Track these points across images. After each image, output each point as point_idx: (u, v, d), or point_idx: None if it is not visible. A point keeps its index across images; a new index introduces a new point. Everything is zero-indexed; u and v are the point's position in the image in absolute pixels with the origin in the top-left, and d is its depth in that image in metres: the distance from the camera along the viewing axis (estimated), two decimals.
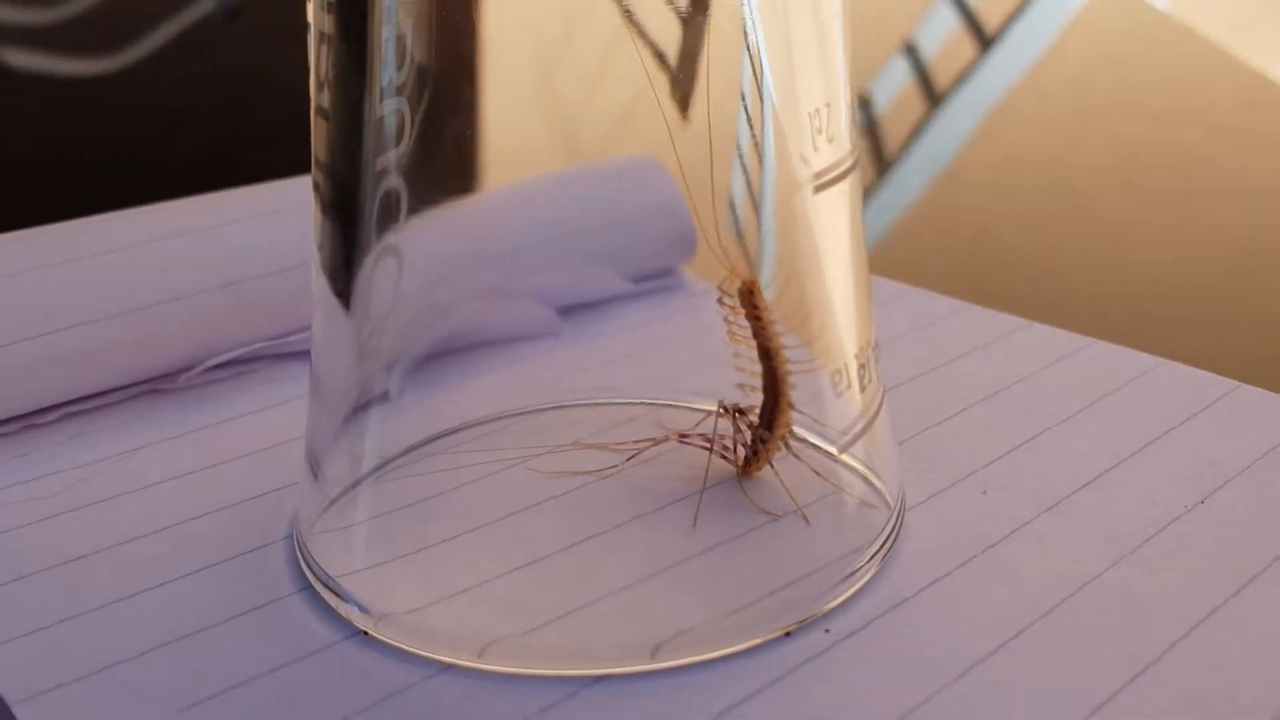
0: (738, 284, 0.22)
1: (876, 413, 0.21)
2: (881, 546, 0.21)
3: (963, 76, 0.66)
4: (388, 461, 0.22)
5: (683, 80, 0.21)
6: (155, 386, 0.27)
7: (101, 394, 0.26)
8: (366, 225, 0.20)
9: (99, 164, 0.54)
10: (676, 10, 0.21)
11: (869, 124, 0.64)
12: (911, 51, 0.73)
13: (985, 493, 0.23)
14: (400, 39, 0.20)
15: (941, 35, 0.75)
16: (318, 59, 0.20)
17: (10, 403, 0.25)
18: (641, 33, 0.21)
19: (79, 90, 0.68)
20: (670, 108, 0.21)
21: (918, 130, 0.60)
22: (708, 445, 0.23)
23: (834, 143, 0.20)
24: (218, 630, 0.20)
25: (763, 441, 0.22)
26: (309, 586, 0.20)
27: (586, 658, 0.19)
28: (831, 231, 0.20)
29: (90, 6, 0.81)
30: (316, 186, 0.20)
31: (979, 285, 0.39)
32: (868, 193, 0.51)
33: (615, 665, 0.19)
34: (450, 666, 0.19)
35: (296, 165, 0.31)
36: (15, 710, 0.18)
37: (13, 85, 0.69)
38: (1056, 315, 0.29)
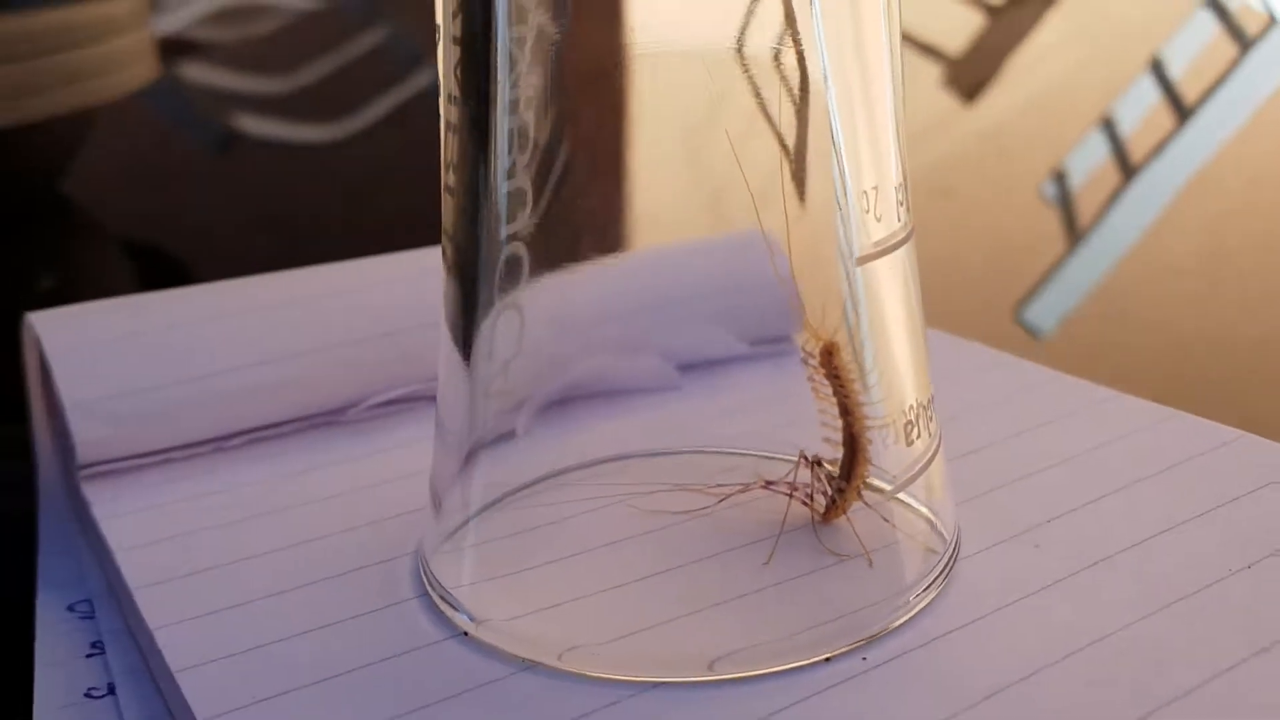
0: (819, 345, 0.24)
1: (927, 464, 0.24)
2: (929, 587, 0.23)
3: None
4: (502, 497, 0.26)
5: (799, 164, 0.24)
6: (327, 420, 0.31)
7: (280, 424, 0.30)
8: (486, 287, 0.24)
9: (313, 223, 0.59)
10: (791, 96, 0.23)
11: (1062, 198, 0.65)
12: (1109, 126, 0.74)
13: (1037, 546, 0.25)
14: (522, 129, 0.23)
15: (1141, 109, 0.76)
16: (446, 144, 0.23)
17: (204, 428, 0.29)
18: (769, 118, 0.24)
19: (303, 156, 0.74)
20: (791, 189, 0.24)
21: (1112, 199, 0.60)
22: (789, 492, 0.26)
23: (882, 221, 0.23)
24: (351, 623, 0.23)
25: (840, 492, 0.25)
26: (426, 594, 0.24)
27: (650, 665, 0.21)
28: (881, 299, 0.23)
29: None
30: (444, 252, 0.24)
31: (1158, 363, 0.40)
32: (1058, 265, 0.52)
33: (674, 674, 0.21)
34: (534, 665, 0.22)
35: None
36: (179, 678, 0.22)
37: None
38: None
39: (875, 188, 0.22)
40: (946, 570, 0.24)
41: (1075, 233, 0.59)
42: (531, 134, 0.23)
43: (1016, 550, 0.25)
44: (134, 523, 0.27)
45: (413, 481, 0.28)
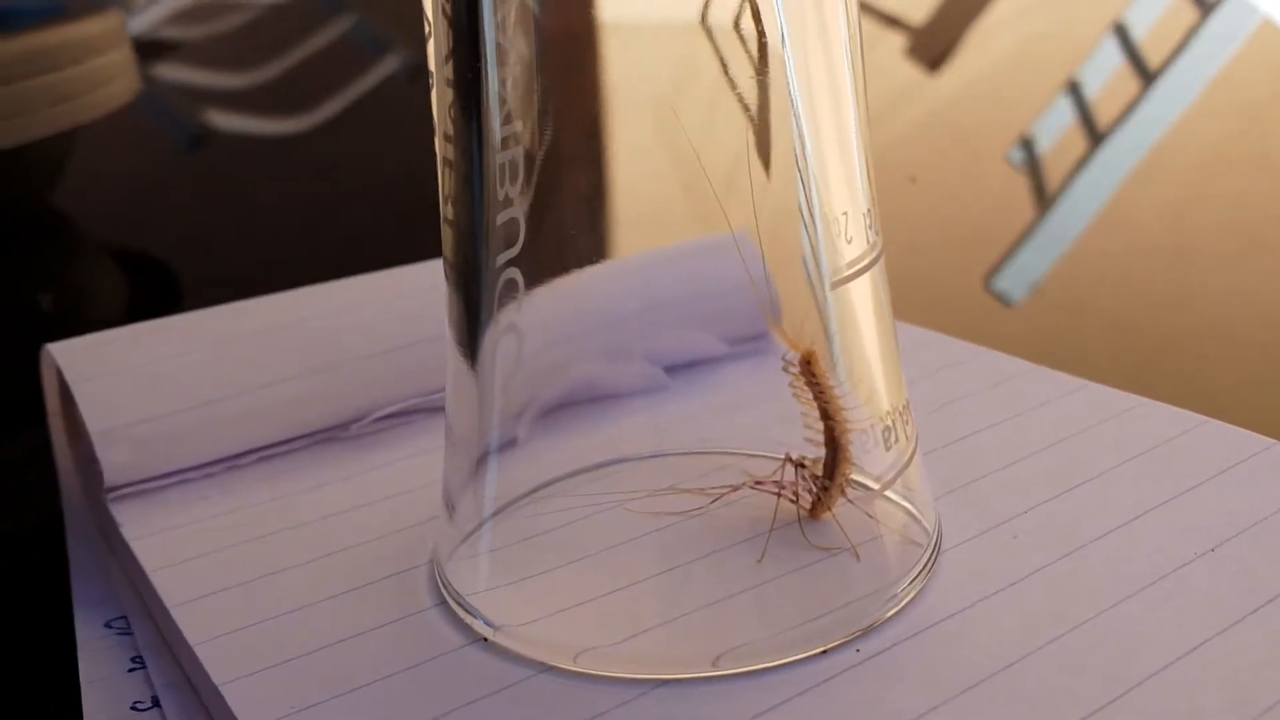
0: (798, 354, 0.26)
1: (906, 465, 0.25)
2: (914, 580, 0.25)
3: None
4: (510, 503, 0.27)
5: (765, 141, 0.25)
6: (332, 435, 0.32)
7: (288, 441, 0.32)
8: (487, 306, 0.25)
9: (291, 219, 0.60)
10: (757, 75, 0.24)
11: (1030, 164, 0.67)
12: (1075, 90, 0.75)
13: (1015, 538, 0.26)
14: (513, 163, 0.24)
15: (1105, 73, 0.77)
16: (443, 179, 0.25)
17: (216, 449, 0.31)
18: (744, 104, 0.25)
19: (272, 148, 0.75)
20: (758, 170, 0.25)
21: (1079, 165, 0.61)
22: (777, 491, 0.27)
23: (853, 243, 0.24)
24: (375, 633, 0.25)
25: (824, 490, 0.27)
26: (444, 602, 0.26)
27: (659, 664, 0.23)
28: (856, 318, 0.25)
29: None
30: (446, 275, 0.25)
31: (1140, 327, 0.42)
32: (1028, 232, 0.54)
33: (681, 671, 0.23)
34: (550, 668, 0.23)
35: None
36: (223, 691, 0.23)
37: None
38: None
39: (845, 213, 0.24)
40: (930, 563, 0.25)
41: (1044, 199, 0.60)
42: (521, 166, 0.25)
43: (995, 541, 0.26)
44: (162, 542, 0.28)
45: (419, 494, 0.30)
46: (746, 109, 0.24)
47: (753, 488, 0.27)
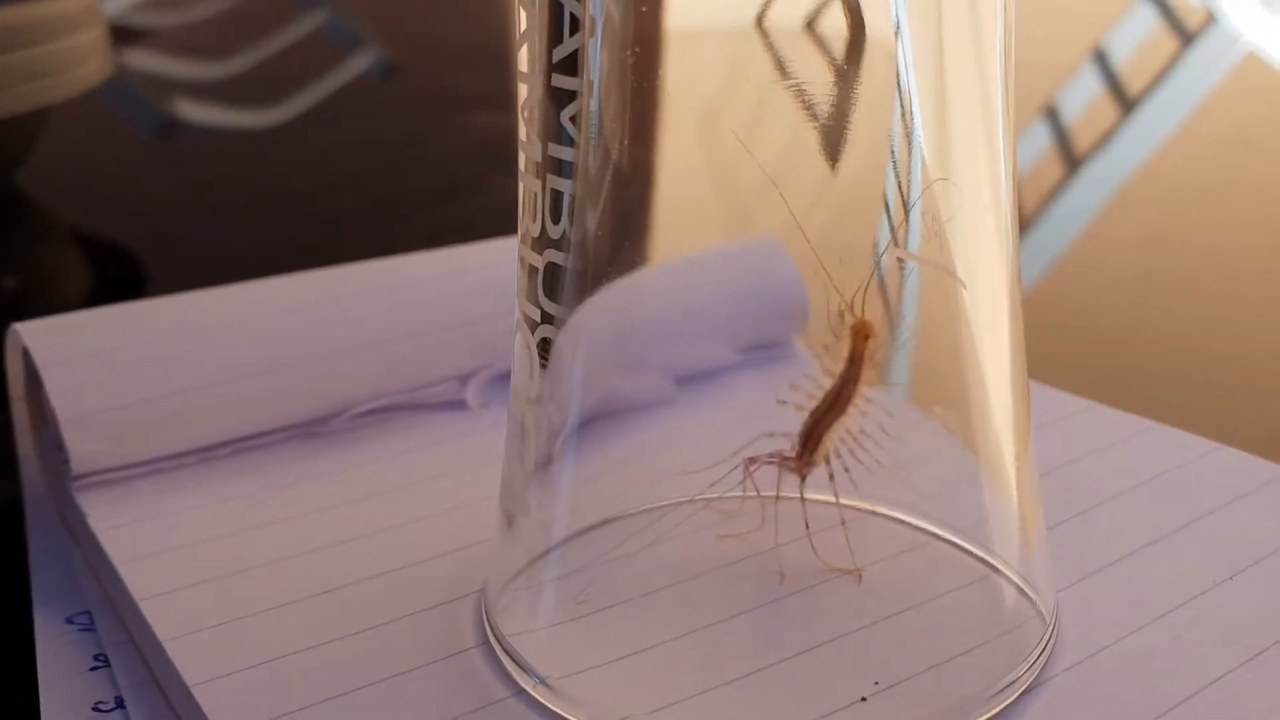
0: (854, 321, 0.23)
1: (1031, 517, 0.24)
2: (1035, 661, 0.22)
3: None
4: (566, 539, 0.25)
5: (833, 135, 0.24)
6: (309, 430, 0.31)
7: (264, 434, 0.30)
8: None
9: (259, 211, 0.59)
10: (832, 63, 0.22)
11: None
12: (1052, 114, 0.75)
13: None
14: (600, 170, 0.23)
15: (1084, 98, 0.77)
16: (540, 186, 0.23)
17: (190, 439, 0.29)
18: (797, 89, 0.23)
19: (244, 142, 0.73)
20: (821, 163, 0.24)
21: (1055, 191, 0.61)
22: (773, 460, 0.25)
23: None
24: (360, 636, 0.23)
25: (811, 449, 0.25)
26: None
27: None
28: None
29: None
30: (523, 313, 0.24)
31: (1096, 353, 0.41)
32: None
33: None
34: None
35: (444, 232, 0.35)
36: (195, 691, 0.22)
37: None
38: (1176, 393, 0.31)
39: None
40: (1051, 640, 0.23)
41: (1021, 221, 0.59)
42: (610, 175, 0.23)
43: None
44: (131, 534, 0.26)
45: (405, 494, 0.29)
46: (808, 106, 0.23)
47: (749, 467, 0.25)
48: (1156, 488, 0.28)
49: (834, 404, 0.24)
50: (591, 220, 0.23)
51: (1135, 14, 0.93)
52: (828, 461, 0.25)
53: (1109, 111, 0.74)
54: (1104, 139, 0.69)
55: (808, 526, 0.25)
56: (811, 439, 0.25)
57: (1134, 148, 0.68)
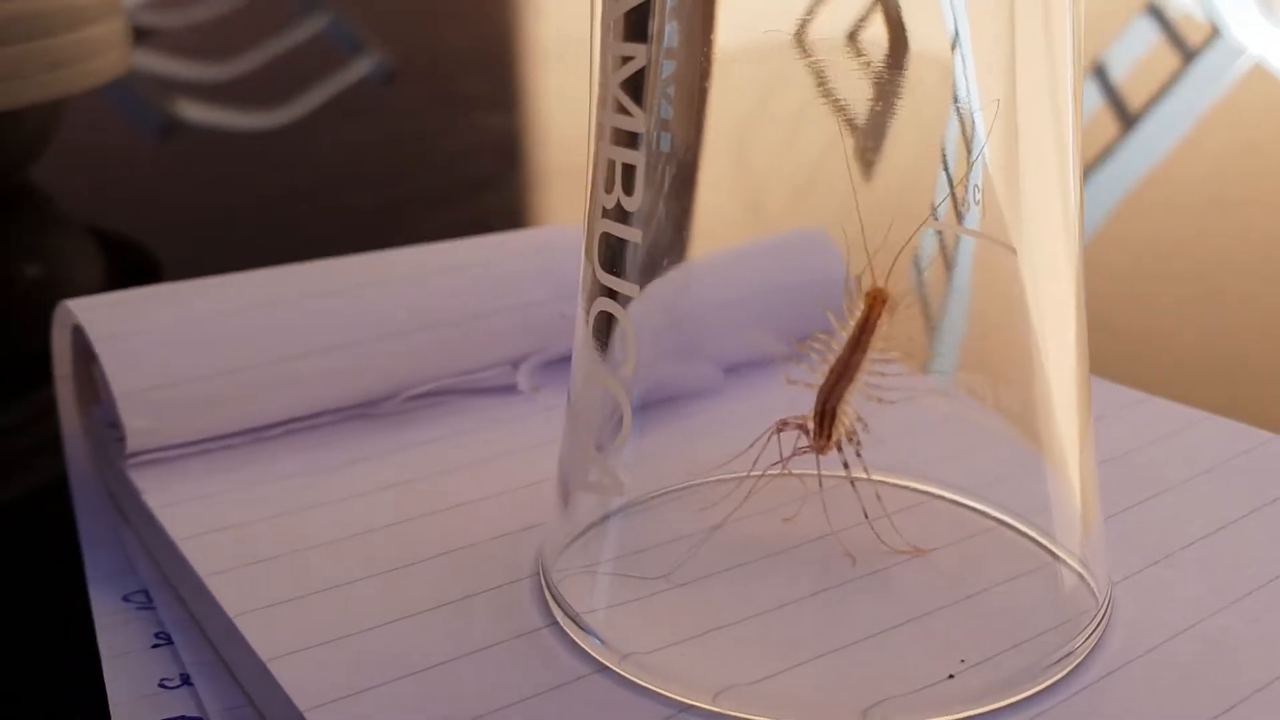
0: (872, 285, 0.23)
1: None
2: (1090, 637, 0.22)
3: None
4: (631, 504, 0.25)
5: (870, 142, 0.23)
6: (361, 412, 0.31)
7: (316, 415, 0.30)
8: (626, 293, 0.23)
9: (264, 212, 0.59)
10: (871, 70, 0.22)
11: None
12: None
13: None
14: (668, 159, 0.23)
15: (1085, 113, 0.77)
16: (608, 178, 0.23)
17: (242, 418, 0.29)
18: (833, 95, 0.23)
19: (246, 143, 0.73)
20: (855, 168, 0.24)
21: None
22: (801, 425, 0.24)
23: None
24: (427, 615, 0.23)
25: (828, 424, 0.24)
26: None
27: (803, 710, 0.21)
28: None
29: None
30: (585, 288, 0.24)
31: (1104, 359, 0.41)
32: None
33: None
34: (688, 707, 0.21)
35: (454, 230, 0.35)
36: (271, 666, 0.21)
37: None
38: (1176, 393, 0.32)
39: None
40: (1106, 616, 0.23)
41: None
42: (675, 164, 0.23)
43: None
44: (188, 512, 0.26)
45: (456, 476, 0.28)
46: (845, 112, 0.23)
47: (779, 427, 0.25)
48: (1220, 476, 0.28)
49: (843, 373, 0.24)
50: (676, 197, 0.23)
51: (1135, 29, 0.94)
52: (847, 440, 0.24)
53: (1109, 126, 0.75)
54: (1104, 153, 0.69)
55: (865, 510, 0.25)
56: (826, 415, 0.24)
57: (1135, 162, 0.69)
